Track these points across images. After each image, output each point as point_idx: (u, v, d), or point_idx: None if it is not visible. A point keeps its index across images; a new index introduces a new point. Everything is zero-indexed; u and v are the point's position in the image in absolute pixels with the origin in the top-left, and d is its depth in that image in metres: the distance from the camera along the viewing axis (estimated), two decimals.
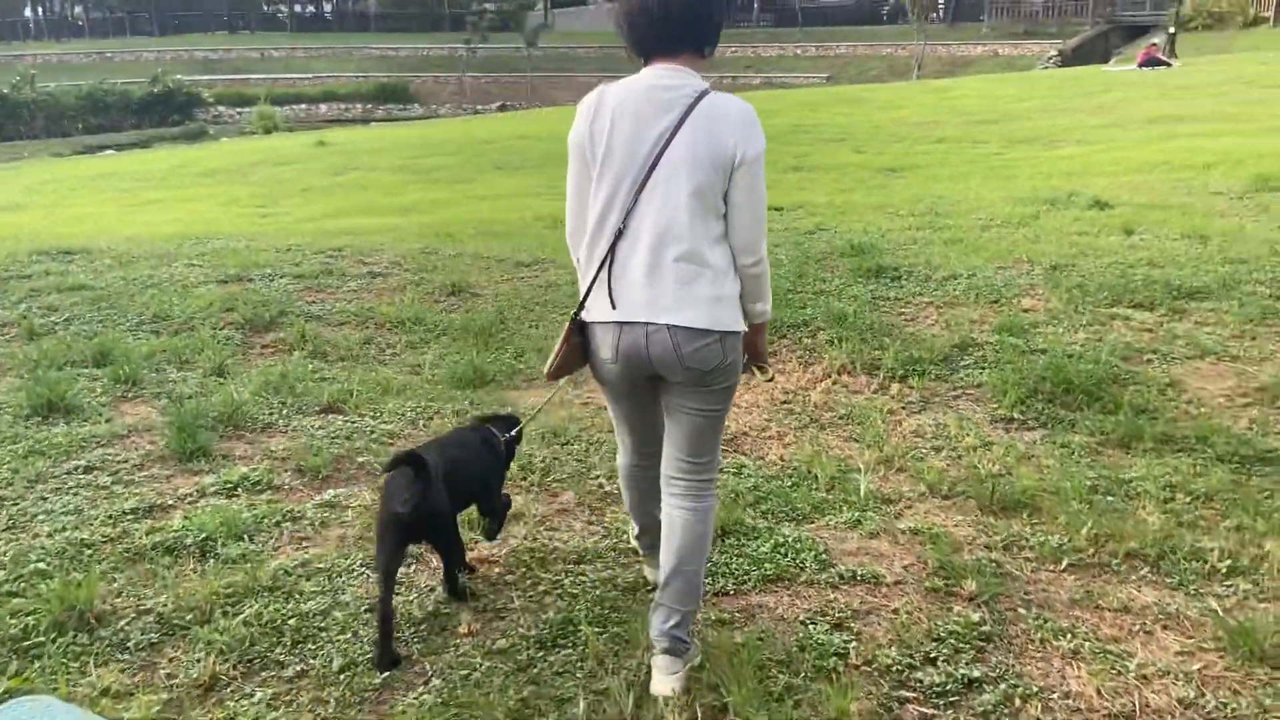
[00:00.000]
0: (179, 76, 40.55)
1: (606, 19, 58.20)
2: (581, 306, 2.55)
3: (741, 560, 3.27)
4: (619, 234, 2.45)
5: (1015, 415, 4.46)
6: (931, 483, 3.80)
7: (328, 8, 70.03)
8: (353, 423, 4.47)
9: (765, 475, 3.94)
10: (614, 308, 2.48)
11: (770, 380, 4.84)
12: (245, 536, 3.42)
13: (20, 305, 6.30)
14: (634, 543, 3.23)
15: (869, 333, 5.46)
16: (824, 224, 8.49)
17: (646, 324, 2.45)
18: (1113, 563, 3.23)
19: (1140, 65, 25.72)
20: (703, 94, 2.41)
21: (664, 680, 2.55)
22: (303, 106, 44.50)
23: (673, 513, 2.64)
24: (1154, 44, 26.91)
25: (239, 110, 41.36)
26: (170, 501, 3.69)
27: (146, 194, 12.86)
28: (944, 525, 3.50)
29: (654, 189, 2.41)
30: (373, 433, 4.36)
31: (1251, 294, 5.78)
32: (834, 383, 5.01)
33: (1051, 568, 3.23)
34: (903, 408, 4.66)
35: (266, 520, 3.54)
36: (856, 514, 3.56)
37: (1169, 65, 25.25)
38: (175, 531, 3.43)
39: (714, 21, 2.48)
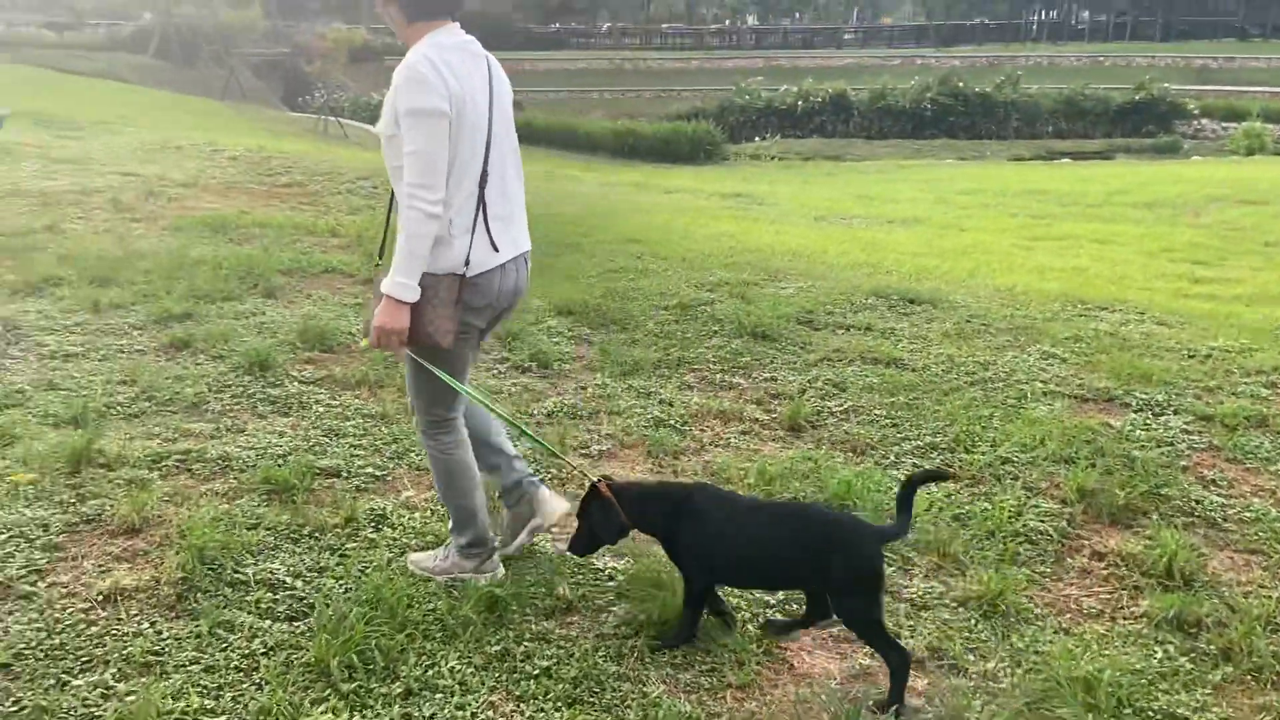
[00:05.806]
0: (1166, 85, 37.34)
1: None
2: (467, 263, 2.59)
3: None
4: (484, 180, 2.60)
5: None
6: None
7: None
8: None
9: None
10: (496, 250, 2.65)
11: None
12: None
13: (812, 370, 4.91)
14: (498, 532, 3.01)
15: None
16: None
17: (519, 256, 2.74)
18: None
19: None
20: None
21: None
22: None
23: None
24: None
25: (1225, 125, 36.57)
26: None
27: (1058, 225, 10.79)
28: None
29: (497, 134, 2.65)
30: None
31: None
32: None
33: None
34: None
35: None
36: None
37: None
38: None
39: None
